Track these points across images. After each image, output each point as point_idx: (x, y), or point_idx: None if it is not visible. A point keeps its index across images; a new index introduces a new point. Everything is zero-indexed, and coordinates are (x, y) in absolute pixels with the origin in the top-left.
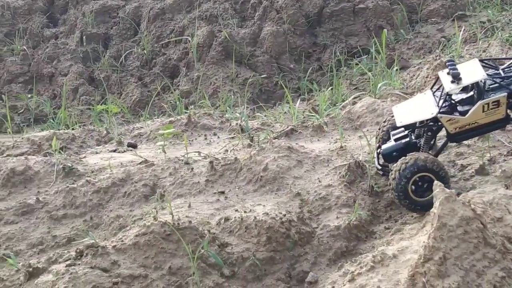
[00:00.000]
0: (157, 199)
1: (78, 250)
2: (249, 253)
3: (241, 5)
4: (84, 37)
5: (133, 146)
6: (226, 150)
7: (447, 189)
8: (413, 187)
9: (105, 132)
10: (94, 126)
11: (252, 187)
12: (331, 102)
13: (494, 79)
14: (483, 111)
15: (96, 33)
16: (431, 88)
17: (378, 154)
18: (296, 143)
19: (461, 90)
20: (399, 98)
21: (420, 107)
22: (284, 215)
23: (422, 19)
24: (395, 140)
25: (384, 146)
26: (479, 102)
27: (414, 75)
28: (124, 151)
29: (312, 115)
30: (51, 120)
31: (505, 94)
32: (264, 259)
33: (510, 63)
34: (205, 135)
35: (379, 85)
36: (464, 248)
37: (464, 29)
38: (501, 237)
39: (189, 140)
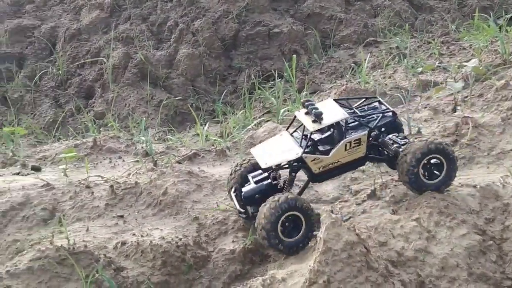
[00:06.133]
0: (55, 223)
1: None
2: (144, 277)
3: (158, 27)
4: None
5: (37, 169)
6: (129, 174)
7: (333, 214)
8: (281, 228)
9: (11, 154)
10: (4, 147)
11: (151, 211)
12: (244, 125)
13: (355, 117)
14: (345, 150)
15: (10, 53)
16: (287, 129)
17: (236, 197)
18: (198, 167)
19: (316, 131)
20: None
21: (282, 148)
22: (180, 239)
23: (335, 45)
24: (255, 182)
25: (245, 189)
26: (343, 141)
27: (322, 100)
28: (28, 174)
29: (214, 140)
30: None
31: (366, 132)
32: (159, 283)
33: (362, 102)
34: (110, 159)
35: (282, 110)
36: (348, 272)
37: (374, 55)
38: (384, 260)
39: (94, 164)
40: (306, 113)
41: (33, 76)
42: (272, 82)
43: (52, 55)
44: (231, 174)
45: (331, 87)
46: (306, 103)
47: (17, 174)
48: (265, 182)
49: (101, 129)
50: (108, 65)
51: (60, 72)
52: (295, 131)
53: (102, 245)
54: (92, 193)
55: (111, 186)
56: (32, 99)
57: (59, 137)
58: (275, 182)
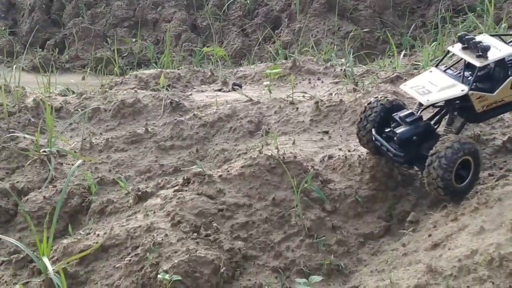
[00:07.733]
0: (262, 134)
1: (185, 177)
2: (351, 190)
3: None
4: None
5: (239, 86)
6: (330, 94)
7: None
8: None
9: (209, 73)
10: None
11: (356, 129)
12: (434, 58)
13: None
14: (511, 88)
15: None
16: (436, 66)
17: (384, 138)
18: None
19: (482, 67)
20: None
21: (441, 84)
22: None
23: None
24: (409, 123)
25: (400, 130)
26: (510, 78)
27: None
28: (229, 91)
29: (418, 64)
30: (154, 65)
31: None
32: (366, 197)
33: None
34: (309, 79)
35: None
36: None
37: None
38: None
39: (294, 84)
40: (464, 48)
41: (222, 5)
42: (464, 17)
43: None
44: (364, 112)
45: None
46: (465, 37)
47: (219, 90)
48: (421, 123)
49: (294, 55)
50: None
51: (248, 1)
52: (448, 68)
53: (309, 158)
54: (297, 108)
55: (316, 103)
56: (220, 27)
57: (247, 64)
58: (431, 122)
